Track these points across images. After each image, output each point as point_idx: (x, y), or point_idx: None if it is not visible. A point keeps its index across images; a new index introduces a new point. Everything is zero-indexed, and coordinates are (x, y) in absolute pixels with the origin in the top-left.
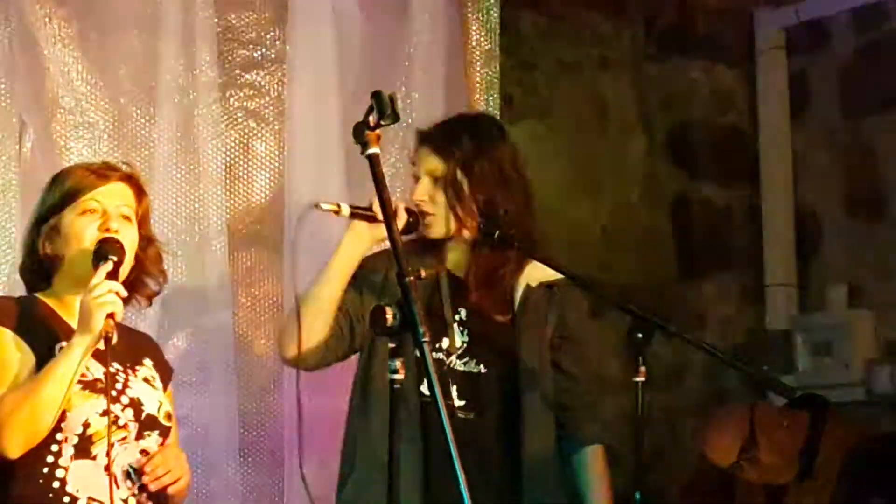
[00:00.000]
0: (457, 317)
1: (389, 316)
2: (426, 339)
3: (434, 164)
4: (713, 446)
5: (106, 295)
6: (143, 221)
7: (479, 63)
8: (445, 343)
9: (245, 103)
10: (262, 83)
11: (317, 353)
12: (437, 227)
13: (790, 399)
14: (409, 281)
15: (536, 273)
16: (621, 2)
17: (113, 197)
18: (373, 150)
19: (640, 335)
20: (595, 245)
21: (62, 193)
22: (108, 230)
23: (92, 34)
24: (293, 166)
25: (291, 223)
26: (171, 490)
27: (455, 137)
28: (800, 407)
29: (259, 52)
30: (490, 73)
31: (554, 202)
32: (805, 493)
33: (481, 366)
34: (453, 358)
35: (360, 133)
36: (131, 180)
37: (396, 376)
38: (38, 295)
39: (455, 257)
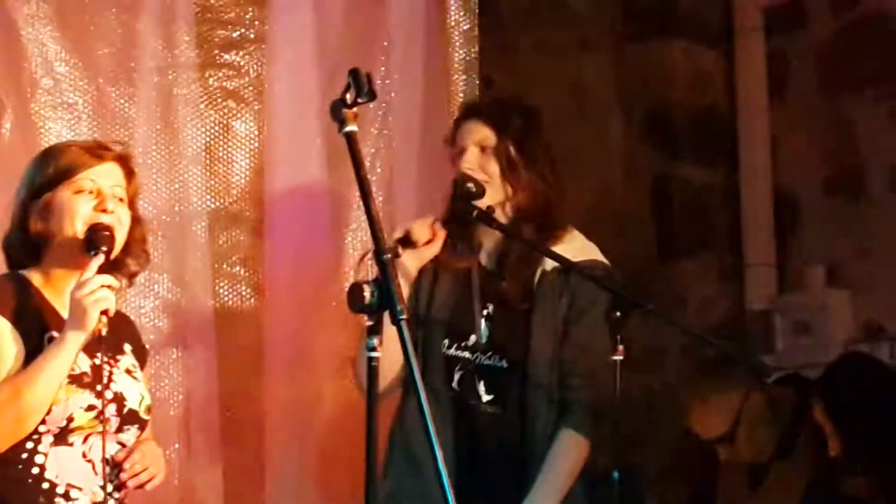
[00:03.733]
0: (485, 311)
1: (367, 293)
2: (404, 317)
3: (484, 134)
4: (699, 419)
5: (98, 291)
6: (132, 202)
7: (458, 44)
8: (472, 340)
9: (224, 83)
10: (242, 63)
11: (395, 384)
12: (490, 194)
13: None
14: (386, 259)
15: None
16: None
17: (107, 177)
18: (350, 127)
19: (618, 313)
20: (575, 225)
21: (56, 170)
22: (104, 210)
23: (70, 14)
24: (272, 147)
25: (271, 203)
26: (147, 487)
27: (507, 112)
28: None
29: (238, 33)
30: (469, 53)
31: None
32: (786, 471)
33: (504, 360)
34: (479, 354)
35: (338, 110)
36: (123, 160)
37: (373, 354)
38: (26, 273)
39: (488, 247)
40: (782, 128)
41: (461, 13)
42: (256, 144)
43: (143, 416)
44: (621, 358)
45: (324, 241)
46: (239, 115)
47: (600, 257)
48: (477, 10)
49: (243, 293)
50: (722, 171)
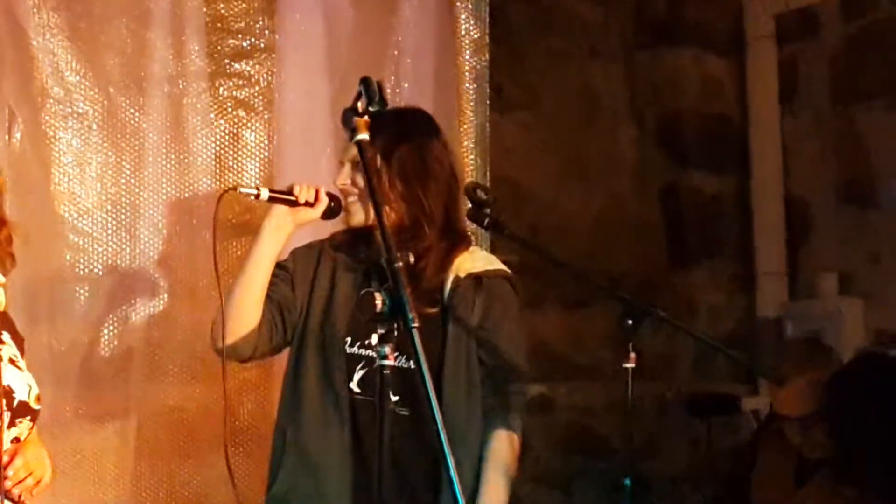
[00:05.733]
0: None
1: (379, 302)
2: (416, 324)
3: (355, 150)
4: (787, 398)
5: None
6: None
7: (468, 52)
8: (375, 339)
9: (234, 93)
10: (252, 73)
11: (248, 342)
12: (358, 213)
13: None
14: (398, 266)
15: (466, 265)
16: None
17: None
18: (361, 136)
19: (629, 322)
20: (585, 234)
21: None
22: None
23: (81, 24)
24: (282, 156)
25: None
26: (34, 493)
27: (378, 125)
28: None
29: (248, 42)
30: (479, 62)
31: (544, 191)
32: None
33: (410, 361)
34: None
35: (349, 119)
36: None
37: (386, 362)
38: None
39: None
40: (793, 136)
41: (471, 22)
42: (266, 154)
43: (34, 405)
44: (633, 366)
45: None
46: (249, 125)
47: (506, 268)
48: (487, 19)
49: None
50: (733, 179)
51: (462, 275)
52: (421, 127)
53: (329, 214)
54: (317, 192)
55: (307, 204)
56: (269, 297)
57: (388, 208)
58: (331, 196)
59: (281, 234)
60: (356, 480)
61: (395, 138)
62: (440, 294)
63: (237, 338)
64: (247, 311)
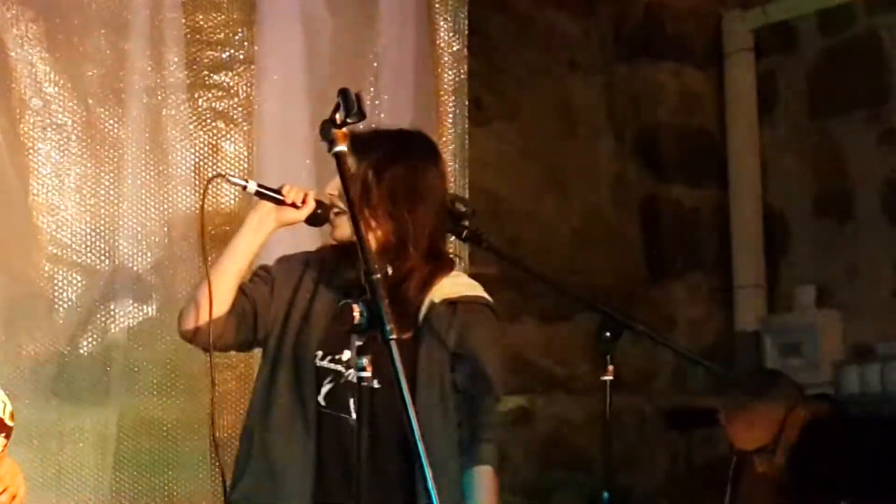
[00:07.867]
0: None
1: (357, 313)
2: (394, 336)
3: (350, 161)
4: (738, 433)
5: None
6: None
7: (447, 65)
8: (346, 355)
9: (213, 104)
10: (231, 84)
11: (214, 329)
12: (342, 227)
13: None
14: (376, 279)
15: (445, 290)
16: (590, 4)
17: None
18: (339, 147)
19: (608, 334)
20: (564, 247)
21: None
22: None
23: (60, 35)
24: (262, 167)
25: None
26: None
27: (376, 141)
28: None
29: (227, 53)
30: (458, 75)
31: (523, 204)
32: None
33: (375, 381)
34: (352, 370)
35: (327, 131)
36: None
37: (364, 374)
38: None
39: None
40: (772, 149)
41: (451, 34)
42: (246, 165)
43: (9, 422)
44: (611, 378)
45: None
46: (228, 136)
47: (486, 295)
48: (466, 32)
49: None
50: (711, 192)
51: (437, 300)
52: (419, 149)
53: (314, 221)
54: (305, 195)
55: (293, 205)
56: (245, 293)
57: (373, 224)
58: (319, 203)
59: (262, 230)
60: (316, 493)
61: (390, 156)
62: (415, 318)
63: (201, 323)
64: (216, 300)
